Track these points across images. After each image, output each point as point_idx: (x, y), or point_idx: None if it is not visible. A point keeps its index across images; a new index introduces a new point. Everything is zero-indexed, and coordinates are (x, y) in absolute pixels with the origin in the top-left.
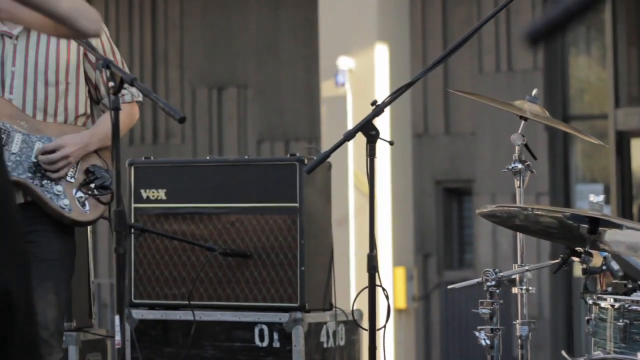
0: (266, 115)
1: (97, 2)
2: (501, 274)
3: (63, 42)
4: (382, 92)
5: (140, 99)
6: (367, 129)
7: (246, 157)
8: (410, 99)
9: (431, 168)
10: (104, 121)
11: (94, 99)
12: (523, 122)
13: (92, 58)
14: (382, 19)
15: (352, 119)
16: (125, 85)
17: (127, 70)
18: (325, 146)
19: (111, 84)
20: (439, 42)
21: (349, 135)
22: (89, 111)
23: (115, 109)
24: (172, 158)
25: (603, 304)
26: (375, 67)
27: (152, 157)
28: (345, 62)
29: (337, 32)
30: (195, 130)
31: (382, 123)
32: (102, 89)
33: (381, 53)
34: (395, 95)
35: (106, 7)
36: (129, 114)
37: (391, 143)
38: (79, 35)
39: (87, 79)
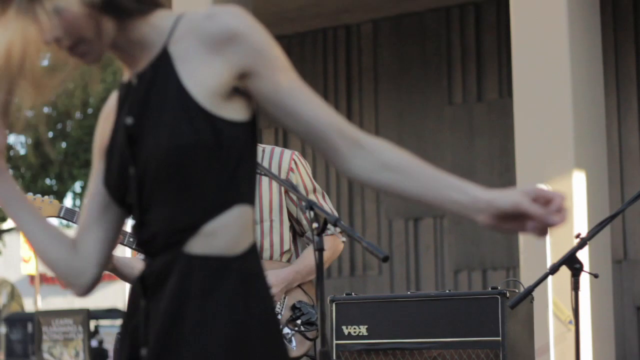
0: (463, 245)
1: (292, 138)
2: None
3: (265, 181)
4: (580, 220)
5: (344, 240)
6: (571, 262)
7: (447, 290)
8: (609, 225)
9: (632, 294)
10: (308, 256)
11: (298, 233)
12: None
13: (293, 195)
14: (579, 146)
15: (550, 248)
16: (329, 227)
17: (329, 204)
18: (524, 276)
19: (315, 225)
20: (637, 168)
21: (553, 269)
22: (292, 247)
23: (320, 250)
24: (372, 294)
25: None
26: (573, 195)
27: (352, 292)
28: None
29: (533, 161)
30: (393, 261)
31: (582, 251)
32: (304, 223)
33: (579, 180)
34: (599, 228)
35: (301, 141)
36: (333, 247)
37: (596, 276)
38: None
39: (290, 215)
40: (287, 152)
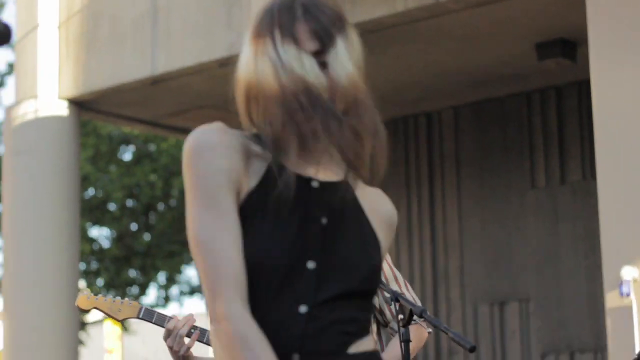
0: (549, 329)
1: None
2: None
3: None
4: None
5: (430, 332)
6: None
7: None
8: None
9: None
10: (394, 349)
11: (381, 323)
12: None
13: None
14: None
15: (638, 330)
16: (415, 318)
17: (411, 292)
18: (612, 359)
19: (400, 316)
20: None
21: None
22: (375, 336)
23: (406, 342)
24: None
25: None
26: None
27: None
28: (629, 272)
29: (619, 242)
30: (479, 346)
31: None
32: (387, 314)
33: None
34: None
35: None
36: (418, 337)
37: None
38: None
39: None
40: None
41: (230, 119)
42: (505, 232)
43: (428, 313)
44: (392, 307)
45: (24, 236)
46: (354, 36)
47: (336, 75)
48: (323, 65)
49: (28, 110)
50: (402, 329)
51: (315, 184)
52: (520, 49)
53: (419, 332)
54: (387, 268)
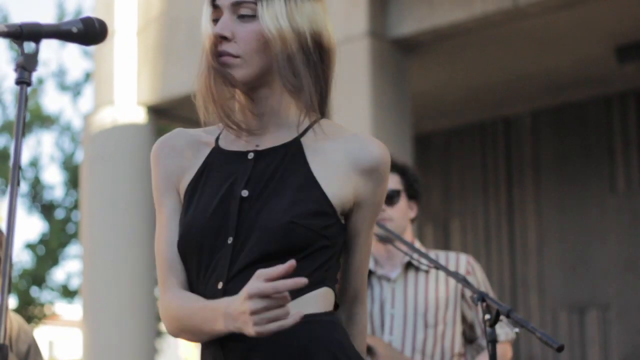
0: (629, 336)
1: (454, 228)
2: None
3: (441, 282)
4: None
5: (514, 335)
6: None
7: None
8: None
9: None
10: None
11: (467, 339)
12: None
13: (468, 297)
14: None
15: None
16: (502, 318)
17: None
18: None
19: (487, 316)
20: None
21: None
22: (462, 349)
23: (492, 342)
24: None
25: None
26: None
27: None
28: None
29: None
30: (558, 354)
31: None
32: (478, 329)
33: None
34: None
35: (464, 234)
36: (502, 354)
37: None
38: None
39: (463, 319)
40: (463, 256)
41: None
42: (585, 237)
43: (515, 313)
44: (479, 307)
45: (102, 244)
46: (309, 4)
47: (244, 28)
48: (244, 17)
49: (106, 118)
50: (488, 329)
51: (250, 156)
52: (600, 52)
53: (504, 348)
54: (480, 274)
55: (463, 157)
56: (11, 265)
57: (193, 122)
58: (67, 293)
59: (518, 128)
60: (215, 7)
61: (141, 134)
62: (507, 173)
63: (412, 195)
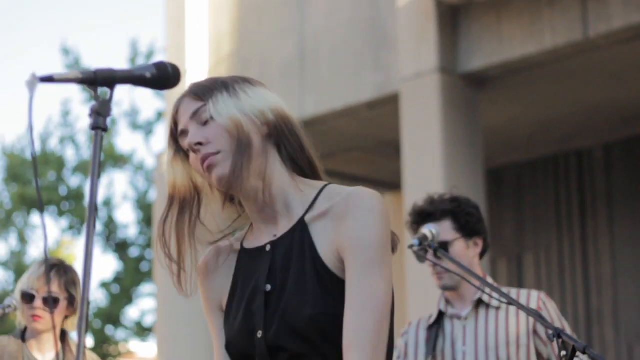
0: None
1: (528, 263)
2: None
3: (512, 318)
4: None
5: None
6: None
7: None
8: None
9: None
10: None
11: None
12: None
13: (542, 333)
14: None
15: None
16: (578, 354)
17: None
18: None
19: (563, 353)
20: None
21: None
22: None
23: None
24: None
25: None
26: None
27: None
28: None
29: None
30: None
31: None
32: None
33: None
34: None
35: (537, 269)
36: None
37: None
38: None
39: (539, 355)
40: (534, 293)
41: (376, 162)
42: None
43: (591, 350)
44: (555, 343)
45: None
46: (245, 90)
47: (211, 127)
48: (209, 120)
49: None
50: None
51: (268, 248)
52: None
53: None
54: (553, 310)
55: (535, 191)
56: (88, 305)
57: None
58: (142, 331)
59: (590, 161)
60: (182, 134)
61: None
62: (580, 206)
63: (471, 233)
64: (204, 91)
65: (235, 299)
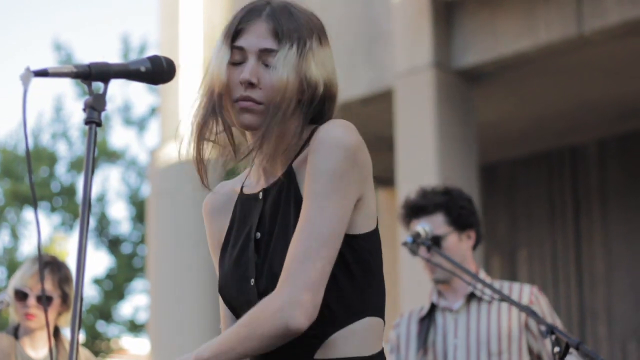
0: None
1: (521, 259)
2: None
3: (504, 312)
4: None
5: None
6: None
7: None
8: None
9: None
10: None
11: None
12: None
13: (533, 328)
14: None
15: None
16: (571, 350)
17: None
18: None
19: (557, 349)
20: None
21: None
22: None
23: None
24: None
25: None
26: None
27: None
28: None
29: None
30: None
31: None
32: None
33: None
34: None
35: (531, 264)
36: None
37: None
38: None
39: (529, 349)
40: (527, 287)
41: (374, 158)
42: None
43: (585, 346)
44: (548, 339)
45: (168, 278)
46: (314, 51)
47: (270, 76)
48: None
49: (172, 152)
50: None
51: (260, 196)
52: None
53: None
54: (545, 305)
55: (529, 187)
56: (82, 301)
57: None
58: (134, 327)
59: (584, 157)
60: (235, 48)
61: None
62: (574, 202)
63: (463, 226)
64: (282, 35)
65: (229, 244)
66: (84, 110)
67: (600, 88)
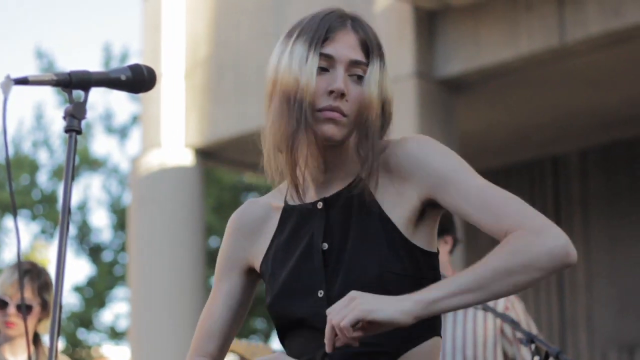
0: None
1: None
2: None
3: (480, 318)
4: None
5: None
6: None
7: None
8: None
9: None
10: None
11: None
12: None
13: (509, 333)
14: None
15: None
16: (551, 359)
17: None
18: None
19: (536, 358)
20: None
21: None
22: None
23: None
24: None
25: None
26: None
27: None
28: None
29: None
30: None
31: None
32: None
33: None
34: None
35: None
36: None
37: None
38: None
39: (505, 356)
40: None
41: None
42: (634, 275)
43: (564, 355)
44: (526, 348)
45: (149, 286)
46: (386, 67)
47: (364, 90)
48: (358, 77)
49: (153, 160)
50: None
51: (320, 205)
52: None
53: None
54: (522, 312)
55: None
56: (61, 308)
57: (240, 164)
58: (115, 335)
59: (566, 166)
60: (323, 56)
61: (188, 177)
62: (555, 211)
63: (440, 232)
64: (372, 49)
65: (276, 258)
66: (64, 118)
67: (582, 98)
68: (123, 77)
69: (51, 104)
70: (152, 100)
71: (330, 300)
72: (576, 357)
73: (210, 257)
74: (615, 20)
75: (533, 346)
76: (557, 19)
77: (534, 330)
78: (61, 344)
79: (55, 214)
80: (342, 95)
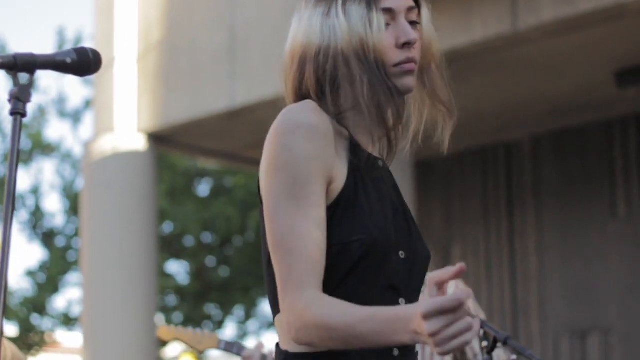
0: None
1: (455, 254)
2: None
3: None
4: None
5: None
6: None
7: None
8: None
9: None
10: None
11: None
12: None
13: None
14: None
15: None
16: (499, 345)
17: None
18: None
19: (484, 343)
20: None
21: None
22: None
23: None
24: None
25: None
26: None
27: None
28: None
29: None
30: None
31: None
32: (469, 353)
33: None
34: None
35: (465, 260)
36: None
37: None
38: None
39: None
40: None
41: None
42: (586, 262)
43: (512, 340)
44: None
45: (102, 271)
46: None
47: (424, 36)
48: (413, 23)
49: (106, 145)
50: (486, 357)
51: (380, 163)
52: (599, 77)
53: None
54: (471, 302)
55: (464, 182)
56: (6, 291)
57: (193, 149)
58: (68, 321)
59: (519, 153)
60: (384, 10)
61: (141, 161)
62: (508, 198)
63: None
64: None
65: (367, 190)
66: (9, 101)
67: (534, 85)
68: (68, 60)
69: (3, 89)
70: (104, 85)
71: (408, 265)
72: (529, 343)
73: (163, 242)
74: (568, 7)
75: (481, 331)
76: (510, 5)
77: (482, 316)
78: (14, 330)
79: (2, 199)
80: (410, 43)
